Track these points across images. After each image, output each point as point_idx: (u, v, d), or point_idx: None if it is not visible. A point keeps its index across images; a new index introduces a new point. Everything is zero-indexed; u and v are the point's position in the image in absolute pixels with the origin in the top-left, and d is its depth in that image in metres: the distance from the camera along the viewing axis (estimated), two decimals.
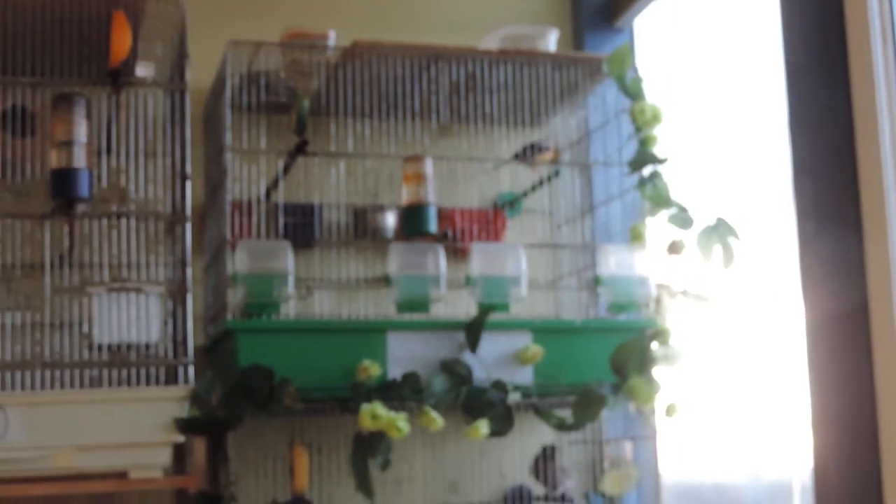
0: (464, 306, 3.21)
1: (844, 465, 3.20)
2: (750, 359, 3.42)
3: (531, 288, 3.18)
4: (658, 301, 3.07)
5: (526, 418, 3.28)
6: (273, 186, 3.10)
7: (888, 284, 2.90)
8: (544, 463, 3.10)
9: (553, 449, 3.12)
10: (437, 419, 2.77)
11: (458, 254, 3.26)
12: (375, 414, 2.73)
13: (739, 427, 3.80)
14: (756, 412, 3.72)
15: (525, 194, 3.39)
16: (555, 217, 3.46)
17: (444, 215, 3.27)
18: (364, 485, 2.79)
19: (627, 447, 3.13)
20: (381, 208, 3.27)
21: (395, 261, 2.90)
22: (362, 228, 3.25)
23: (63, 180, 2.79)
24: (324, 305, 3.15)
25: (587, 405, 2.87)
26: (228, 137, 2.92)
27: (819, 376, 3.19)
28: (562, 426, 2.90)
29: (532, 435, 3.27)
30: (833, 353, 3.17)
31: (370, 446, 2.79)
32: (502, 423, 2.86)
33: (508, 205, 3.41)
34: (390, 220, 3.26)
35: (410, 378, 2.83)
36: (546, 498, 3.13)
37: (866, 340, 3.11)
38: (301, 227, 3.17)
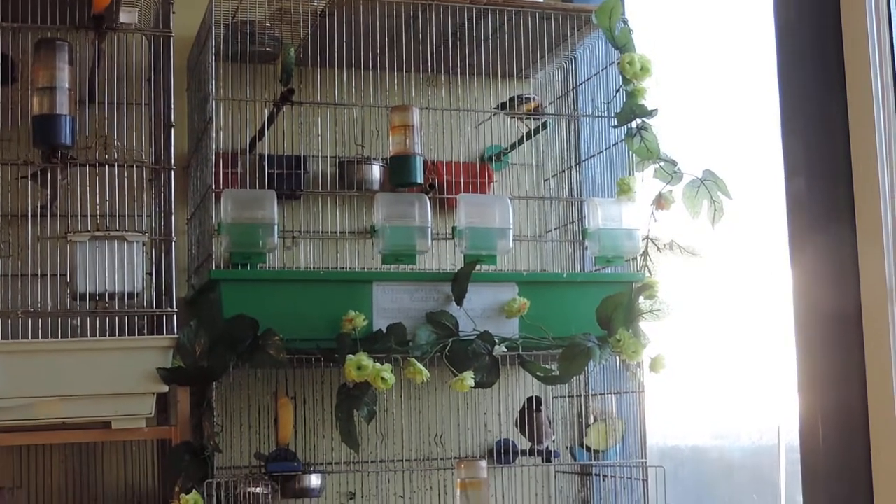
0: (450, 259, 3.20)
1: (831, 427, 3.20)
2: (737, 314, 3.41)
3: (517, 241, 3.17)
4: (645, 254, 3.05)
5: (511, 373, 3.28)
6: (258, 137, 3.07)
7: (877, 233, 2.90)
8: (529, 416, 3.09)
9: (539, 401, 3.10)
10: (422, 371, 2.76)
11: (444, 206, 3.24)
12: (361, 365, 2.71)
13: (726, 385, 3.80)
14: (743, 370, 3.72)
15: (512, 147, 3.37)
16: (542, 171, 3.44)
17: (431, 168, 3.24)
18: (349, 436, 2.78)
19: (612, 401, 3.13)
20: (367, 160, 3.24)
21: (381, 211, 2.87)
22: (348, 180, 3.22)
23: (45, 126, 2.75)
24: (309, 257, 3.13)
25: (573, 358, 2.85)
26: (213, 85, 2.88)
27: (807, 336, 3.19)
28: (548, 378, 2.88)
29: (517, 389, 3.27)
30: (821, 313, 3.17)
31: (355, 398, 2.77)
32: (488, 375, 2.85)
33: (495, 158, 3.38)
34: (376, 172, 3.24)
35: (396, 329, 2.81)
36: (531, 451, 3.12)
37: (856, 302, 3.11)
38: (286, 179, 3.15)
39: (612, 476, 3.11)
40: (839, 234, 3.07)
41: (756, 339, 3.52)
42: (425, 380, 2.76)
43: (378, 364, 2.72)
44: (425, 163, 3.10)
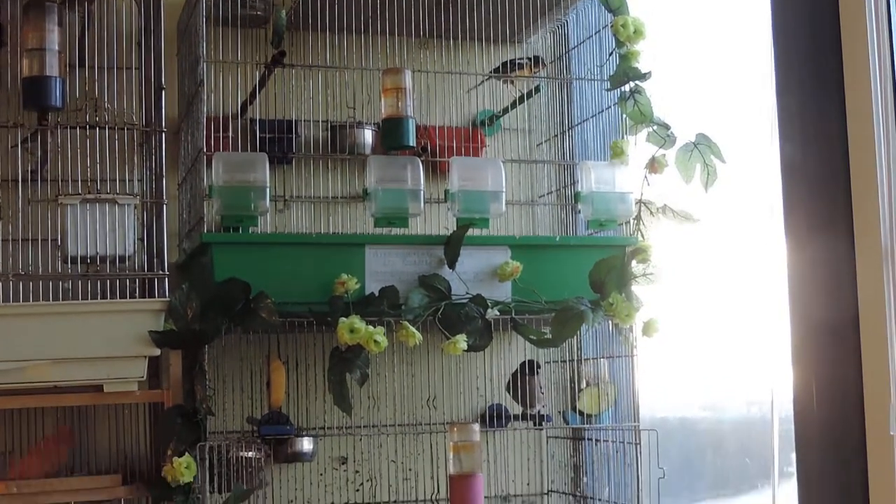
0: (442, 223, 3.19)
1: (825, 390, 3.21)
2: (730, 279, 3.41)
3: (509, 206, 3.16)
4: (638, 218, 3.05)
5: (504, 338, 3.28)
6: (249, 101, 3.05)
7: (872, 190, 2.90)
8: (522, 380, 3.08)
9: (531, 365, 3.10)
10: (414, 334, 2.75)
11: (436, 171, 3.23)
12: (353, 327, 2.70)
13: (718, 350, 3.81)
14: (735, 335, 3.73)
15: (504, 112, 3.36)
16: (534, 136, 3.43)
17: (423, 133, 3.23)
18: (341, 399, 2.77)
19: (605, 366, 3.12)
20: (358, 125, 3.23)
21: (373, 174, 2.86)
22: (340, 145, 3.21)
23: (35, 88, 2.74)
24: (301, 221, 3.12)
25: (566, 321, 2.85)
26: (203, 48, 2.86)
27: (801, 300, 3.19)
28: (540, 342, 2.88)
29: (509, 354, 3.27)
30: (816, 276, 3.17)
31: (347, 361, 2.77)
32: (481, 339, 2.84)
33: (487, 122, 3.37)
34: (368, 136, 3.22)
35: (388, 292, 2.81)
36: (523, 416, 3.12)
37: (850, 265, 3.11)
38: (277, 143, 3.13)
39: (604, 440, 3.11)
40: (834, 198, 3.08)
41: (749, 303, 3.52)
42: (418, 343, 2.76)
43: (370, 327, 2.71)
44: (417, 127, 3.09)
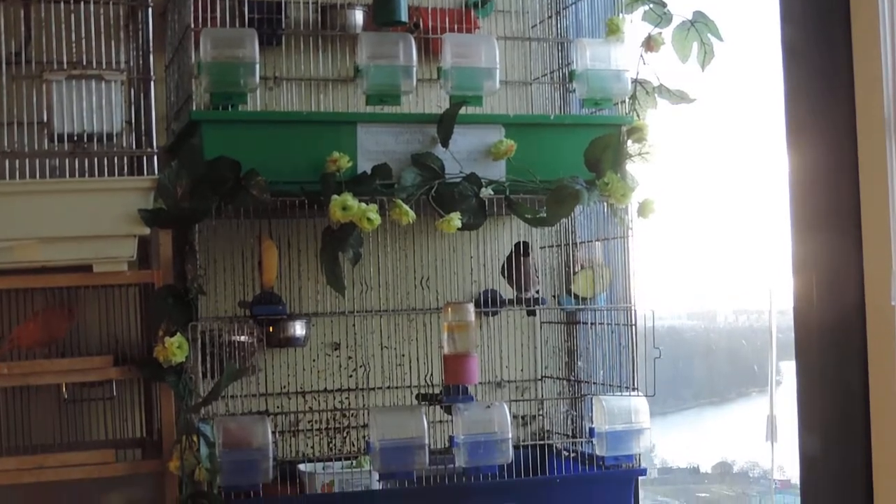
0: (435, 101, 3.14)
1: (825, 283, 3.20)
2: (727, 161, 3.38)
3: (503, 87, 3.11)
4: (634, 98, 3.00)
5: (498, 223, 3.24)
6: None
7: (875, 75, 2.86)
8: (517, 262, 3.05)
9: (525, 247, 3.07)
10: (408, 212, 2.71)
11: (428, 51, 3.17)
12: (346, 205, 2.66)
13: (712, 248, 3.78)
14: (731, 226, 3.70)
15: None
16: (528, 17, 3.37)
17: (414, 13, 3.16)
18: (334, 278, 2.74)
19: (599, 248, 3.09)
20: (349, 5, 3.16)
21: (365, 50, 2.80)
22: (330, 26, 3.15)
23: None
24: (292, 102, 3.06)
25: (561, 200, 2.81)
26: None
27: (801, 185, 3.17)
28: (535, 220, 2.85)
29: (503, 239, 3.23)
30: (817, 163, 3.15)
31: (340, 240, 2.73)
32: (475, 217, 2.81)
33: (479, 3, 3.30)
34: (359, 17, 3.16)
35: (381, 170, 2.77)
36: (517, 300, 3.10)
37: (852, 154, 3.09)
38: (266, 23, 3.07)
39: (599, 323, 3.09)
40: (836, 82, 3.04)
41: (745, 188, 3.49)
42: (411, 221, 2.72)
43: (363, 204, 2.68)
44: (409, 9, 3.02)
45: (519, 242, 3.09)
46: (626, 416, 2.90)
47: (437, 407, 3.00)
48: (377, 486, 2.88)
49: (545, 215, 2.82)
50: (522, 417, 3.29)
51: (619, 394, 2.96)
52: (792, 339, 3.88)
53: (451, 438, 2.82)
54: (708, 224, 4.07)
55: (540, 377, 3.34)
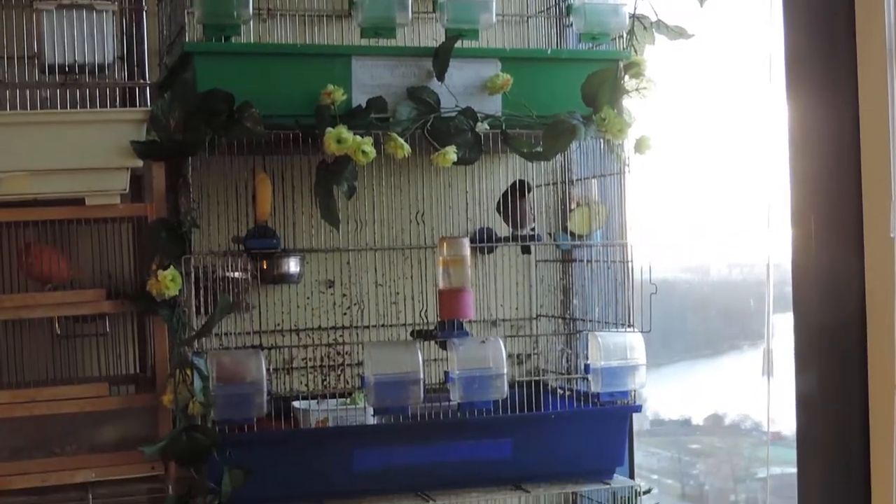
0: (431, 35, 3.11)
1: (823, 233, 3.19)
2: (724, 100, 3.36)
3: (500, 22, 3.08)
4: (631, 33, 2.97)
5: (493, 161, 3.22)
6: None
7: (877, 23, 2.84)
8: (513, 200, 3.03)
9: (521, 185, 3.05)
10: (403, 145, 2.69)
11: None
12: (340, 137, 2.64)
13: (708, 175, 3.76)
14: (727, 168, 3.68)
15: None
16: None
17: None
18: (328, 212, 2.72)
19: (595, 186, 3.08)
20: None
21: None
22: None
23: None
24: (286, 35, 3.03)
25: (557, 135, 2.79)
26: None
27: (800, 114, 3.15)
28: (531, 154, 2.83)
29: (499, 178, 3.21)
30: (816, 96, 3.12)
31: (335, 173, 2.71)
32: (470, 152, 2.79)
33: None
34: None
35: (376, 103, 2.74)
36: (512, 237, 3.08)
37: (852, 99, 3.06)
38: None
39: (594, 260, 3.08)
40: (836, 22, 3.02)
41: (743, 130, 3.47)
42: (406, 155, 2.70)
43: (358, 137, 2.65)
44: None
45: (516, 181, 3.07)
46: (621, 352, 2.89)
47: (432, 344, 3.00)
48: (372, 421, 2.88)
49: (541, 150, 2.80)
50: (517, 356, 3.28)
51: (615, 330, 2.95)
52: (785, 294, 3.86)
53: (445, 374, 2.81)
54: (702, 169, 4.05)
55: (535, 316, 3.32)
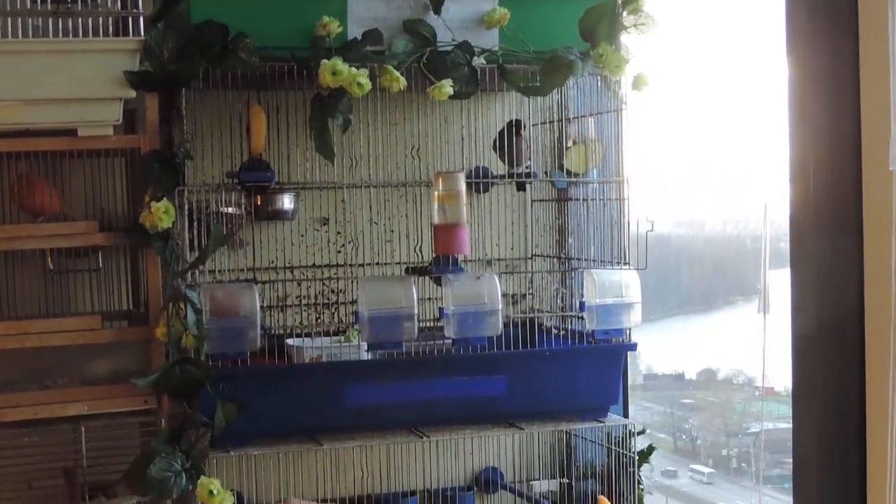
0: None
1: (823, 176, 3.16)
2: (723, 42, 3.32)
3: None
4: None
5: (490, 99, 3.20)
6: None
7: None
8: (509, 138, 3.01)
9: (517, 124, 3.03)
10: (399, 78, 2.67)
11: None
12: (336, 69, 2.62)
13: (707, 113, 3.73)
14: (722, 121, 3.65)
15: None
16: None
17: None
18: (323, 145, 2.70)
19: (592, 124, 3.05)
20: None
21: None
22: None
23: None
24: None
25: (554, 70, 2.77)
26: None
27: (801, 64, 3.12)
28: (528, 89, 2.81)
29: (495, 116, 3.19)
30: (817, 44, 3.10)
31: (329, 106, 2.69)
32: (467, 86, 2.77)
33: None
34: None
35: (372, 35, 2.72)
36: (508, 175, 3.06)
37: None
38: None
39: (591, 199, 3.06)
40: None
41: (742, 76, 3.44)
42: (402, 88, 2.68)
43: (354, 69, 2.63)
44: None
45: (512, 120, 3.05)
46: (616, 289, 2.88)
47: (427, 283, 2.98)
48: (366, 357, 2.87)
49: (538, 84, 2.78)
50: (512, 296, 3.27)
51: (611, 268, 2.94)
52: (779, 250, 3.84)
53: (440, 310, 2.80)
54: (699, 117, 4.03)
55: (530, 256, 3.31)
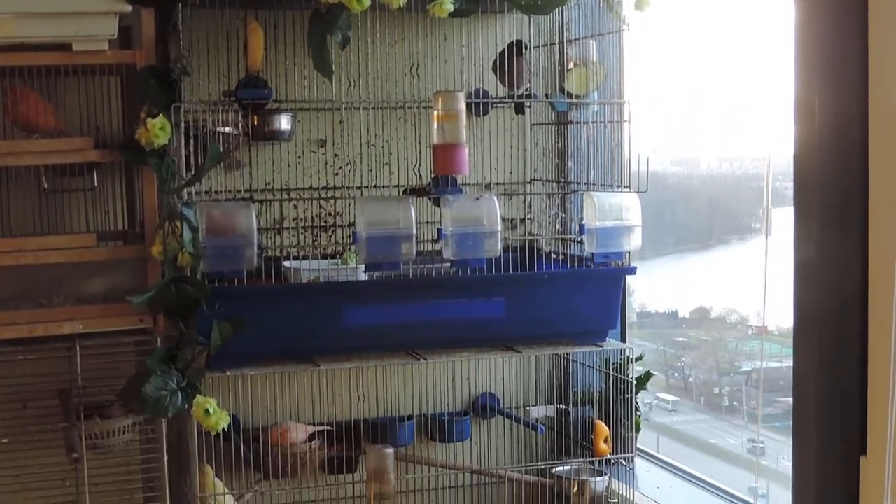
0: None
1: (828, 157, 3.12)
2: None
3: None
4: None
5: (489, 21, 3.16)
6: None
7: None
8: (508, 60, 2.97)
9: (518, 45, 2.98)
10: None
11: None
12: None
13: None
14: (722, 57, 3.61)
15: None
16: None
17: None
18: (322, 63, 2.66)
19: (593, 46, 3.01)
20: None
21: None
22: None
23: None
24: None
25: None
26: None
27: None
28: (529, 7, 2.77)
29: (494, 38, 3.15)
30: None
31: (328, 22, 2.65)
32: (467, 3, 2.74)
33: None
34: None
35: None
36: (508, 97, 3.02)
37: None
38: None
39: (591, 122, 3.03)
40: None
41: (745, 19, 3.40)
42: (401, 5, 2.64)
43: None
44: None
45: (513, 41, 3.01)
46: (616, 212, 2.86)
47: (426, 205, 2.96)
48: (363, 278, 2.84)
49: (540, 2, 2.74)
50: (511, 221, 3.24)
51: (611, 191, 2.92)
52: (776, 189, 3.81)
53: (438, 231, 2.77)
54: (699, 49, 3.99)
55: (529, 180, 3.28)
